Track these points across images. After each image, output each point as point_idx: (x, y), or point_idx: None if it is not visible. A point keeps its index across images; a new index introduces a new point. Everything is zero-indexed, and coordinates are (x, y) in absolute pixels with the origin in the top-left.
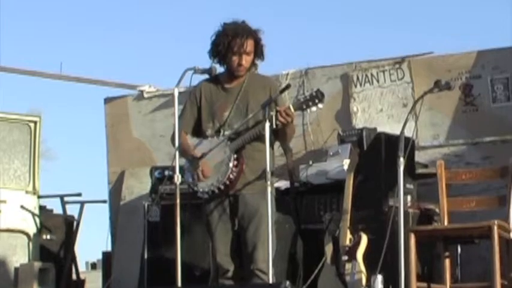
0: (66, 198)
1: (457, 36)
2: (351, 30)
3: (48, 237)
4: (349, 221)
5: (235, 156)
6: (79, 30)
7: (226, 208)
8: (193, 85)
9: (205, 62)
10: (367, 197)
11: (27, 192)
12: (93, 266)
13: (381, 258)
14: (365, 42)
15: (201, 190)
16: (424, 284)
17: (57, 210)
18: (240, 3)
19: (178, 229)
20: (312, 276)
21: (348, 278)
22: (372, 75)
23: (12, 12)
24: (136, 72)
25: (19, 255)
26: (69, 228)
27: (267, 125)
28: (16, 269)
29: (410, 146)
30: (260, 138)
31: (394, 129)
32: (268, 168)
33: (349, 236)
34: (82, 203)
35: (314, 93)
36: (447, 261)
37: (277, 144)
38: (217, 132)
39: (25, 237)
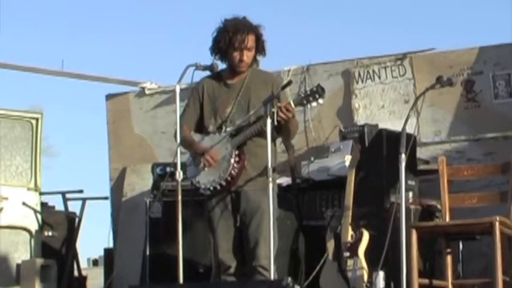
0: (67, 195)
1: (459, 33)
2: (353, 27)
3: (50, 233)
4: (351, 217)
5: (236, 152)
6: (80, 28)
7: (228, 204)
8: (195, 82)
9: (207, 58)
10: (369, 194)
11: (29, 189)
12: (95, 262)
13: (383, 255)
14: (367, 38)
15: (202, 186)
16: (426, 281)
17: (59, 207)
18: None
19: (180, 225)
20: (314, 273)
21: (349, 274)
22: (373, 71)
23: (14, 9)
24: (137, 69)
25: (21, 252)
26: (70, 224)
27: (269, 121)
28: (18, 266)
29: (412, 142)
30: (262, 134)
31: (395, 125)
32: (270, 165)
33: (350, 232)
34: (84, 200)
35: (315, 89)
36: (449, 258)
37: (279, 140)
38: (219, 129)
39: (27, 234)
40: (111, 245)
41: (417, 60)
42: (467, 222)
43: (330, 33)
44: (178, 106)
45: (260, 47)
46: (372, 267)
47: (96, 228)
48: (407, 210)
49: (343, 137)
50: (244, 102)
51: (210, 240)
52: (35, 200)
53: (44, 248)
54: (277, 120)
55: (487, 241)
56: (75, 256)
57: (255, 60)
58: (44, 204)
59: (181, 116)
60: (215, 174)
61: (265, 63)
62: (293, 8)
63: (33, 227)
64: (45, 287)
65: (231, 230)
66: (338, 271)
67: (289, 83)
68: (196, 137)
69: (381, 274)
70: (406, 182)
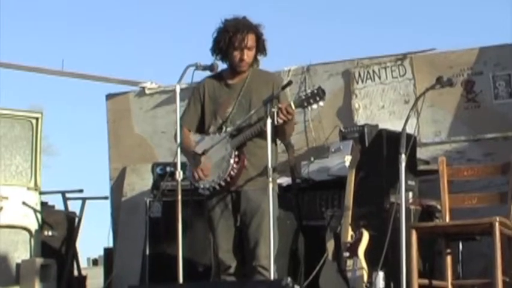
0: (67, 195)
1: (459, 33)
2: (353, 27)
3: (50, 233)
4: (351, 217)
5: (236, 152)
6: (81, 28)
7: (228, 204)
8: (195, 82)
9: (208, 58)
10: (369, 194)
11: (28, 188)
12: (95, 262)
13: (383, 255)
14: (367, 38)
15: (202, 186)
16: (426, 281)
17: (59, 206)
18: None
19: (180, 225)
20: (314, 273)
21: (349, 275)
22: (373, 71)
23: (14, 9)
24: (138, 69)
25: (21, 252)
26: (70, 224)
27: (269, 121)
28: (18, 265)
29: (412, 142)
30: (262, 134)
31: (395, 125)
32: (270, 165)
33: (350, 232)
34: (84, 199)
35: (315, 91)
36: (449, 258)
37: (279, 140)
38: (220, 129)
39: (27, 234)
40: (111, 244)
41: (417, 60)
42: (467, 223)
43: (330, 33)
44: (179, 106)
45: (260, 47)
46: (372, 267)
47: (96, 227)
48: (407, 210)
49: (343, 137)
50: (246, 102)
51: (210, 240)
52: (34, 200)
53: (43, 248)
54: (277, 121)
55: (486, 241)
56: (75, 256)
57: (255, 59)
58: (43, 204)
59: (181, 117)
60: (214, 175)
61: (266, 63)
62: (293, 8)
63: (33, 226)
64: (45, 287)
65: (231, 230)
66: (338, 271)
67: (289, 83)
68: (197, 137)
69: (381, 274)
70: (406, 182)
